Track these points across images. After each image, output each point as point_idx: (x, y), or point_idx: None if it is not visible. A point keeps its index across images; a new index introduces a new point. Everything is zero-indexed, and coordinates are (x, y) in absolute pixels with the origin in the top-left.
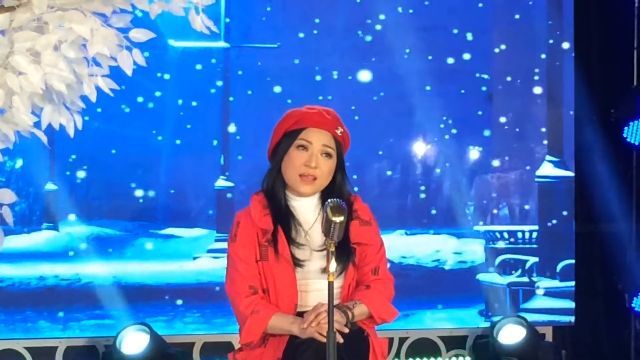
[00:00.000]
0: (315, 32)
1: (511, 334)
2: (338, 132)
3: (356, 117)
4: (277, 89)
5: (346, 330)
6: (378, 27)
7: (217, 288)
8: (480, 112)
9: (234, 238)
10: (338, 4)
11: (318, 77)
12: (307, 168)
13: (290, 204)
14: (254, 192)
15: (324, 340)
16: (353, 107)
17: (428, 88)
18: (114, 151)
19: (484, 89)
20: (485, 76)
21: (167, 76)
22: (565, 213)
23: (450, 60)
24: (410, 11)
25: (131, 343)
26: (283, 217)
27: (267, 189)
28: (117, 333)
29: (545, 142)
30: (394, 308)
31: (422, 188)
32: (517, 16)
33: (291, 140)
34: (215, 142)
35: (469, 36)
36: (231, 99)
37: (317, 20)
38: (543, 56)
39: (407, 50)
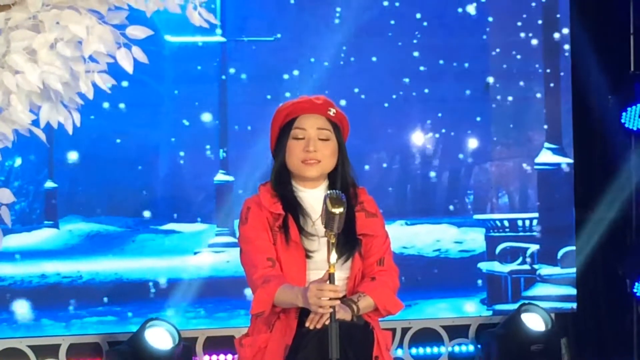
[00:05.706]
0: (311, 24)
1: (536, 322)
2: (331, 113)
3: (354, 108)
4: (275, 82)
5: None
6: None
7: (219, 282)
8: (477, 101)
9: (245, 221)
10: None
11: (315, 69)
12: (307, 153)
13: (298, 194)
14: (260, 183)
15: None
16: (351, 98)
17: (426, 77)
18: (112, 148)
19: (481, 77)
20: (483, 65)
21: (164, 72)
22: (564, 200)
23: (447, 50)
24: (406, 1)
25: (156, 338)
26: (292, 206)
27: (273, 184)
28: (141, 326)
29: (544, 129)
30: (400, 301)
31: (422, 178)
32: (514, 4)
33: (287, 133)
34: (214, 137)
35: (465, 26)
36: (229, 92)
37: (313, 13)
38: (540, 43)
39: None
